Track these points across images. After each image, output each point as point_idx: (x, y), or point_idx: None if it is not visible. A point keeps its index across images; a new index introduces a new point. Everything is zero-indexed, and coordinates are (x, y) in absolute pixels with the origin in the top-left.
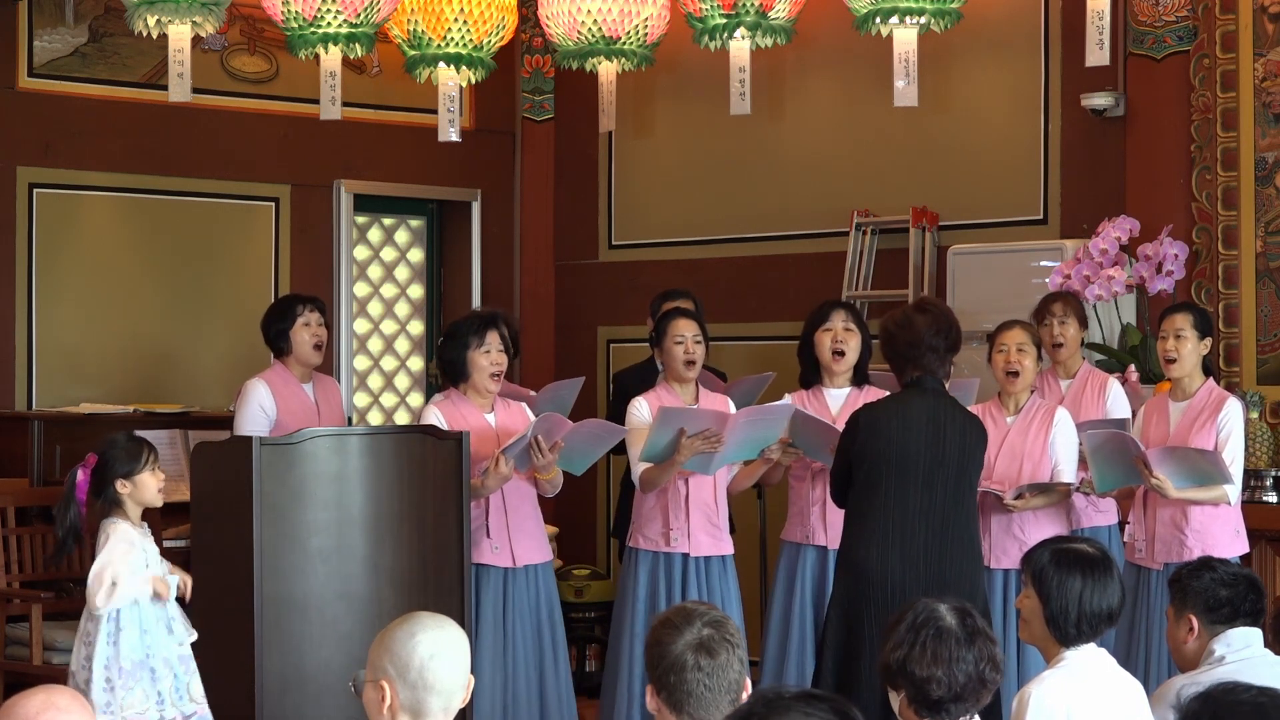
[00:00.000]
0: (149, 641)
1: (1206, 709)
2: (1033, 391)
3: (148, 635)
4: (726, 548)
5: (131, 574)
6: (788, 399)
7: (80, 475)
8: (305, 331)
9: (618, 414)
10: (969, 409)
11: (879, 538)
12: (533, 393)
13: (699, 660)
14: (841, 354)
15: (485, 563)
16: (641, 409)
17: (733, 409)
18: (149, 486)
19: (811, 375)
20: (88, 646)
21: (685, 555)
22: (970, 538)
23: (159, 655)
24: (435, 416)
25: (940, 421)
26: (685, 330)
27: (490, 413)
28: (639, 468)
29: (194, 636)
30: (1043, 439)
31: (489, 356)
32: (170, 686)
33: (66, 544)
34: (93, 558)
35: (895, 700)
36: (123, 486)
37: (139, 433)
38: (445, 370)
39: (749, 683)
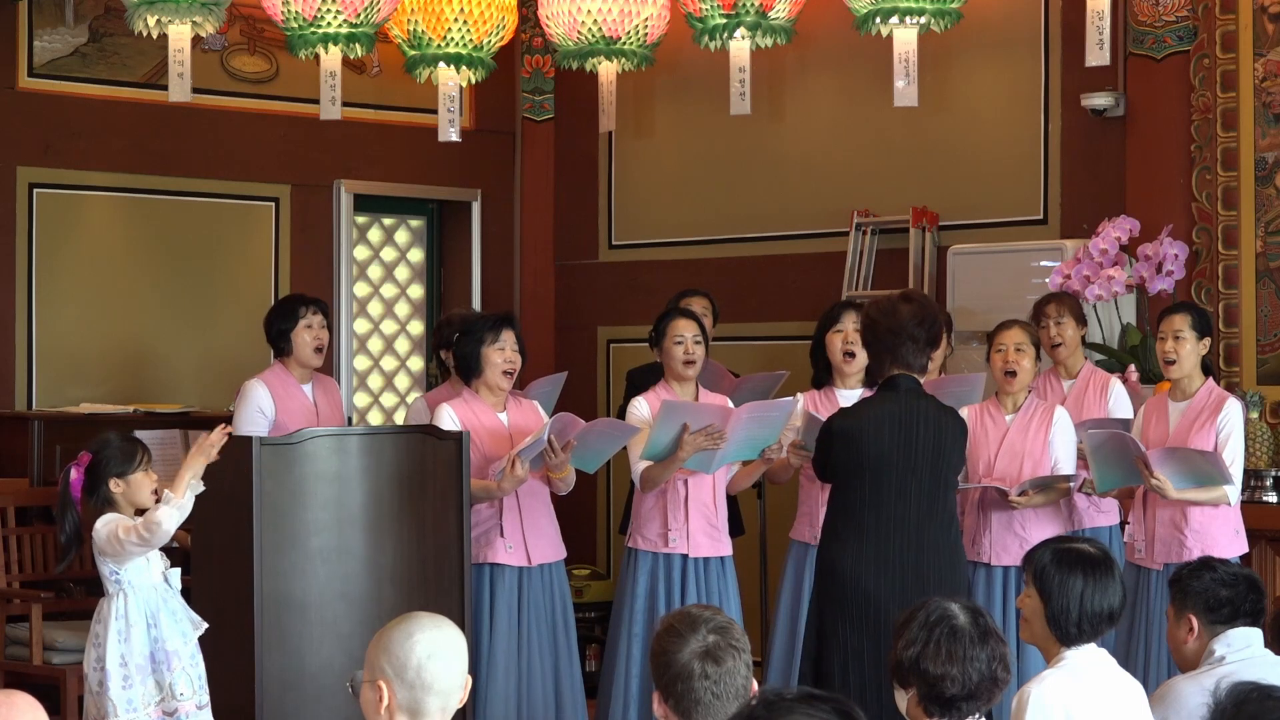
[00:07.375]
0: (154, 634)
1: (1242, 713)
2: (1031, 391)
3: (154, 629)
4: (725, 549)
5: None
6: (800, 399)
7: (74, 474)
8: (307, 334)
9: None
10: (965, 406)
11: (854, 546)
12: (519, 392)
13: (706, 668)
14: (852, 355)
15: (500, 562)
16: (641, 408)
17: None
18: (143, 487)
19: (823, 376)
20: (98, 648)
21: (684, 556)
22: (948, 543)
23: (163, 648)
24: (449, 417)
25: (913, 425)
26: (685, 330)
27: (503, 411)
28: (639, 466)
29: (200, 629)
30: (1043, 437)
31: (503, 353)
32: (168, 682)
33: (71, 549)
34: (91, 555)
35: (903, 699)
36: (115, 486)
37: (136, 433)
38: (458, 365)
39: (755, 686)
